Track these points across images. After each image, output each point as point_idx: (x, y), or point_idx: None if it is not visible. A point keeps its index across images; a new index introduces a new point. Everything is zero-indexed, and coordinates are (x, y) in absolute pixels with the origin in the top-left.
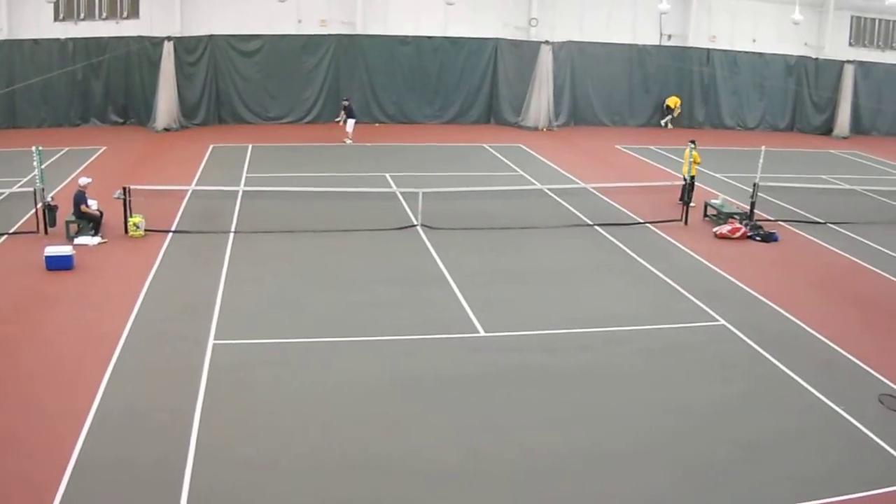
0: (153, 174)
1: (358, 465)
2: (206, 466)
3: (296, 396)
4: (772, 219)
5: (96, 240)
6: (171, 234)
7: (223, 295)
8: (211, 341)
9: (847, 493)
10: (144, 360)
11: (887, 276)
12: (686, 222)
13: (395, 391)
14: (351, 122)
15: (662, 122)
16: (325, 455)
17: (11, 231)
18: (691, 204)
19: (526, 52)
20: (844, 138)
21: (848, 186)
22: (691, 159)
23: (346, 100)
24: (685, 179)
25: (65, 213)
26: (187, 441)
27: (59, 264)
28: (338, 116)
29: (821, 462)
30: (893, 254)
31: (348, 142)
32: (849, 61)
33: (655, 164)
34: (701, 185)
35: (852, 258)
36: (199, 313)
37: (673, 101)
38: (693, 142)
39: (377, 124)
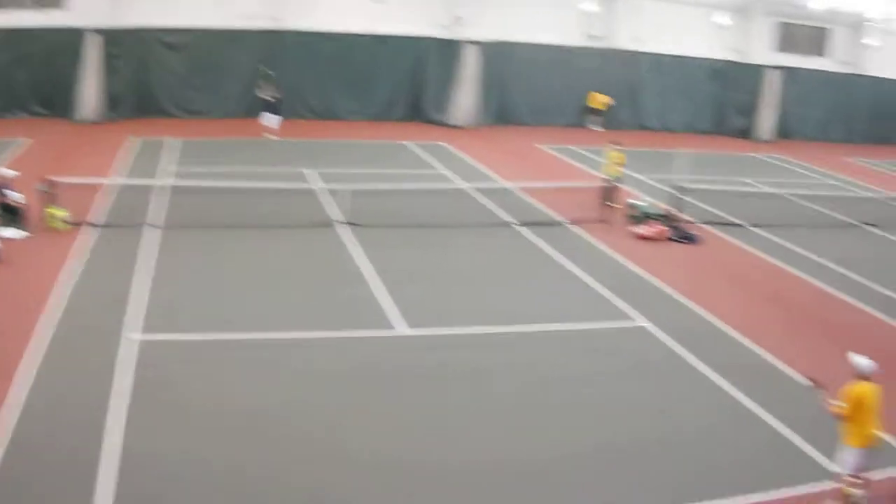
0: (77, 166)
1: (274, 462)
2: (130, 466)
3: (216, 394)
4: (693, 221)
5: (19, 233)
6: (93, 228)
7: (144, 290)
8: (131, 336)
9: (761, 490)
10: (66, 355)
11: (806, 277)
12: (608, 223)
13: (315, 388)
14: (275, 118)
15: (593, 126)
16: (241, 457)
17: None
18: (614, 205)
19: (452, 50)
20: (769, 142)
21: (770, 190)
22: (615, 161)
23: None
24: (608, 180)
25: None
26: (110, 439)
27: None
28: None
29: (735, 459)
30: (813, 256)
31: (274, 138)
32: (774, 66)
33: (578, 164)
34: (623, 186)
35: (772, 260)
36: (119, 308)
37: (601, 101)
38: (616, 143)
39: (299, 120)
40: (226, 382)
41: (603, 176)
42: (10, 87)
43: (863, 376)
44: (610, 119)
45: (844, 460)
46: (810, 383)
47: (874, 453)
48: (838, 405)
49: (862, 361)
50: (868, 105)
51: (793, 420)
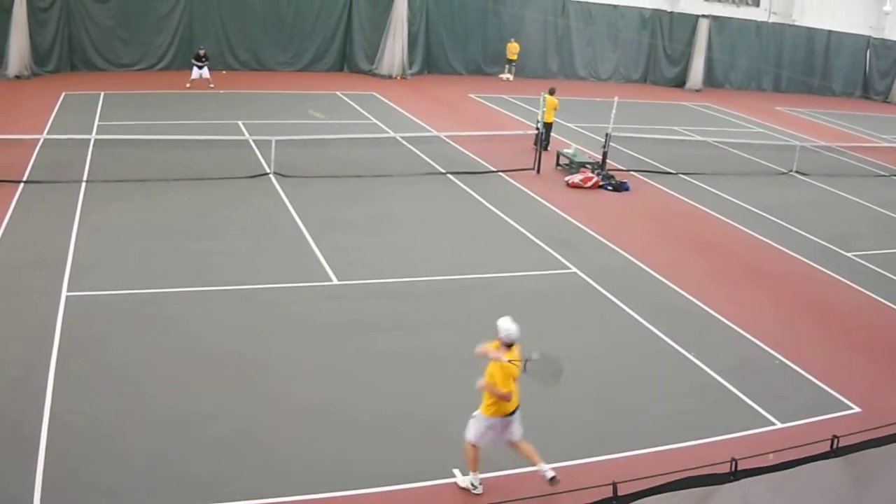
0: (3, 123)
1: (210, 416)
2: (61, 426)
3: (150, 348)
4: (624, 169)
5: None
6: (22, 185)
7: (75, 246)
8: (64, 293)
9: (694, 437)
10: None
11: (733, 223)
12: (538, 171)
13: (248, 340)
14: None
15: (503, 77)
16: (178, 408)
17: None
18: (547, 149)
19: None
20: (697, 91)
21: (699, 138)
22: (544, 107)
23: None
24: (539, 126)
25: None
26: (42, 399)
27: None
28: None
29: (669, 407)
30: (740, 202)
31: (212, 86)
32: (703, 15)
33: (508, 112)
34: (554, 134)
35: (701, 207)
36: (51, 265)
37: (512, 50)
38: (552, 90)
39: (225, 72)
40: (154, 337)
41: (537, 121)
42: None
43: (503, 342)
44: (539, 68)
45: (472, 426)
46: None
47: (505, 422)
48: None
49: (502, 325)
50: (797, 55)
51: (723, 365)
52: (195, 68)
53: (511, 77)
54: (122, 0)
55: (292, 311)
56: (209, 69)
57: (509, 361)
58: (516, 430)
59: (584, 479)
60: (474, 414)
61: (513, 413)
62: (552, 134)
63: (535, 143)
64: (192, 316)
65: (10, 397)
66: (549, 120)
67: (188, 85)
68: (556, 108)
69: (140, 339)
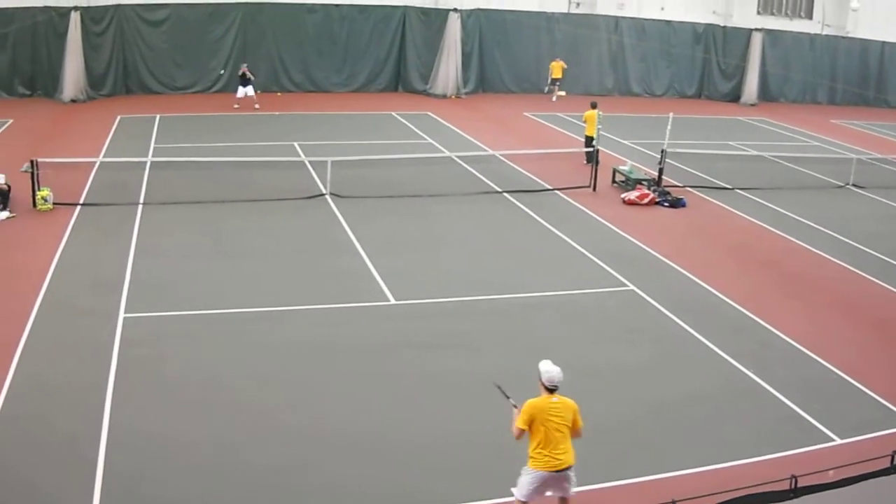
0: (61, 146)
1: (267, 437)
2: (119, 443)
3: (207, 369)
4: (680, 185)
5: (4, 214)
6: (79, 207)
7: (132, 268)
8: (121, 315)
9: (754, 455)
10: (55, 335)
11: (792, 239)
12: (594, 189)
13: (305, 361)
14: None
15: (554, 98)
16: (234, 427)
17: None
18: (596, 166)
19: (434, 19)
20: (752, 105)
21: (755, 153)
22: (592, 121)
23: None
24: (592, 142)
25: None
26: (100, 417)
27: None
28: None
29: (728, 424)
30: (799, 217)
31: (256, 106)
32: (757, 29)
33: (563, 130)
34: (609, 151)
35: (759, 223)
36: (108, 286)
37: (556, 69)
38: (593, 104)
39: (280, 94)
40: (210, 358)
41: (585, 137)
42: None
43: (545, 386)
44: (594, 85)
45: (519, 482)
46: (498, 388)
47: (557, 479)
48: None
49: (542, 368)
50: (852, 67)
51: (784, 384)
52: (240, 87)
53: (559, 96)
54: (176, 23)
55: (349, 332)
56: (254, 88)
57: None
58: (569, 488)
59: (643, 498)
60: (523, 469)
61: (565, 469)
62: (599, 148)
63: (586, 159)
64: (248, 337)
65: (69, 416)
66: (591, 134)
67: (236, 105)
68: (598, 122)
69: (196, 360)
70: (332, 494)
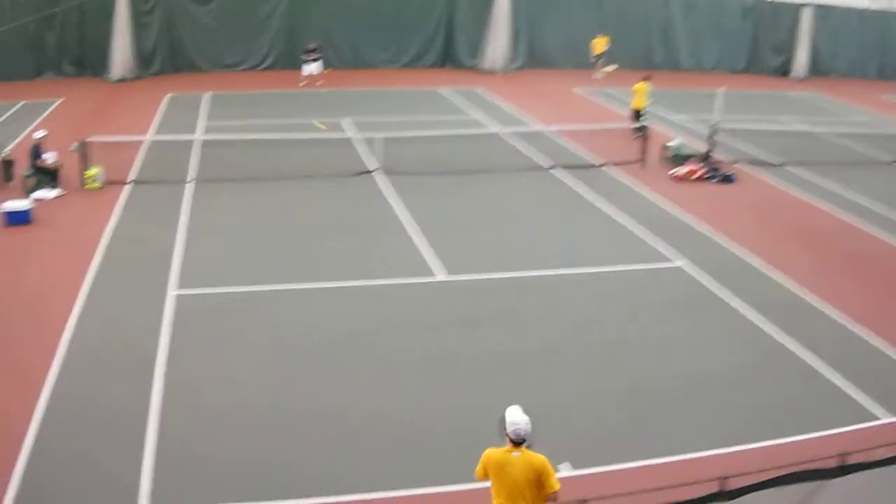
0: (110, 125)
1: (316, 411)
2: (170, 418)
3: (257, 344)
4: (729, 160)
5: (54, 193)
6: (129, 186)
7: (182, 245)
8: (172, 292)
9: (801, 432)
10: (106, 312)
11: (842, 215)
12: (643, 164)
13: (356, 337)
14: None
15: (599, 75)
16: (286, 405)
17: None
18: (644, 138)
19: None
20: (802, 80)
21: (805, 128)
22: (642, 92)
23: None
24: (640, 115)
25: (22, 167)
26: (150, 392)
27: (17, 219)
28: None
29: (776, 402)
30: (847, 192)
31: (319, 83)
32: (806, 3)
33: (612, 106)
34: (658, 126)
35: (809, 199)
36: (159, 263)
37: (602, 44)
38: (645, 76)
39: (328, 70)
40: (260, 334)
41: (632, 110)
42: (41, 49)
43: (509, 438)
44: (641, 60)
45: None
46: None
47: None
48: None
49: (508, 417)
50: None
51: (831, 359)
52: (304, 65)
53: (605, 71)
54: (224, 1)
55: (399, 308)
56: (321, 65)
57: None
58: None
59: (692, 474)
60: None
61: None
62: (653, 126)
63: (636, 130)
64: (298, 313)
65: (119, 393)
66: (636, 106)
67: (302, 84)
68: (647, 93)
69: (247, 336)
70: (379, 470)
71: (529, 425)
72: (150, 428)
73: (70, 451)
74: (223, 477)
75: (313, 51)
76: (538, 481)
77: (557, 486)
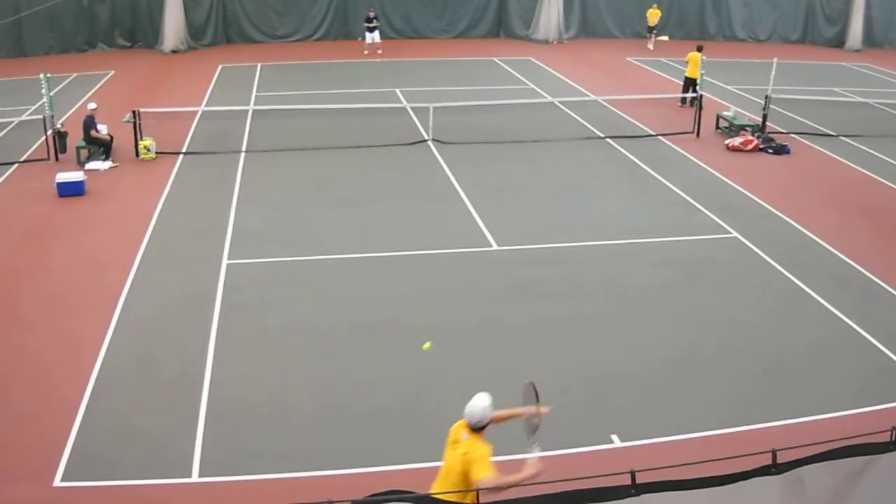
0: (162, 97)
1: (369, 383)
2: (222, 388)
3: (309, 315)
4: (784, 131)
5: (107, 164)
6: (182, 156)
7: (235, 215)
8: (224, 261)
9: (855, 407)
10: (159, 281)
11: None
12: (698, 135)
13: (408, 306)
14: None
15: (651, 46)
16: (337, 373)
17: (22, 159)
18: (697, 108)
19: None
20: (857, 51)
21: (860, 99)
22: (694, 62)
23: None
24: (694, 85)
25: (75, 139)
26: (203, 362)
27: (71, 190)
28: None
29: (830, 375)
30: None
31: (379, 52)
32: None
33: (667, 76)
34: (712, 96)
35: (864, 171)
36: (211, 234)
37: (652, 17)
38: (699, 47)
39: (380, 41)
40: (314, 304)
41: (685, 78)
42: (93, 21)
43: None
44: (695, 31)
45: None
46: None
47: None
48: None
49: (471, 402)
50: None
51: (887, 335)
52: (367, 32)
53: (656, 42)
54: None
55: (452, 277)
56: (379, 33)
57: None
58: None
59: (744, 447)
60: None
61: None
62: (708, 95)
63: (690, 101)
64: (351, 282)
65: (172, 362)
66: (691, 75)
67: (366, 52)
68: (698, 64)
69: (300, 306)
70: (435, 441)
71: (486, 412)
72: (202, 398)
73: (122, 421)
74: (275, 448)
75: (373, 19)
76: (464, 470)
77: (480, 477)
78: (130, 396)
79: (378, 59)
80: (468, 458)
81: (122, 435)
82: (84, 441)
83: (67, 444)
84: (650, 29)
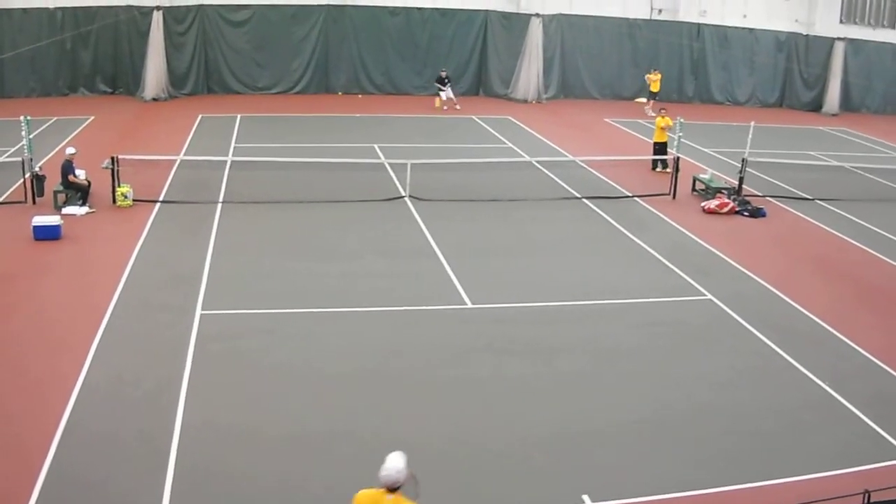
0: (141, 144)
1: (340, 436)
2: (192, 438)
3: (282, 367)
4: (760, 194)
5: (84, 209)
6: (159, 204)
7: (211, 265)
8: (198, 311)
9: (828, 469)
10: (132, 329)
11: (873, 252)
12: (674, 196)
13: (381, 361)
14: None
15: (650, 111)
16: (309, 428)
17: None
18: (667, 169)
19: (516, 24)
20: (834, 115)
21: (836, 163)
22: (661, 126)
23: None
24: (657, 146)
25: (53, 182)
26: (174, 412)
27: (46, 234)
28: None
29: (803, 437)
30: (880, 230)
31: (458, 107)
32: (839, 38)
33: (643, 137)
34: (689, 159)
35: (840, 234)
36: (186, 283)
37: (654, 82)
38: (662, 109)
39: (360, 95)
40: (287, 356)
41: (653, 142)
42: (75, 66)
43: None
44: (673, 92)
45: None
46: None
47: None
48: None
49: (386, 463)
50: None
51: (861, 398)
52: (440, 91)
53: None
54: (258, 24)
55: (426, 333)
56: (452, 91)
57: None
58: None
59: None
60: None
61: None
62: (684, 158)
63: (653, 165)
64: (325, 336)
65: (143, 410)
66: (658, 139)
67: (445, 108)
68: (670, 126)
69: (273, 358)
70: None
71: (402, 474)
72: (172, 449)
73: (90, 471)
74: (243, 497)
75: (445, 79)
76: None
77: None
78: (100, 446)
79: (447, 114)
80: None
81: (91, 487)
82: (50, 496)
83: (31, 500)
84: (652, 95)
